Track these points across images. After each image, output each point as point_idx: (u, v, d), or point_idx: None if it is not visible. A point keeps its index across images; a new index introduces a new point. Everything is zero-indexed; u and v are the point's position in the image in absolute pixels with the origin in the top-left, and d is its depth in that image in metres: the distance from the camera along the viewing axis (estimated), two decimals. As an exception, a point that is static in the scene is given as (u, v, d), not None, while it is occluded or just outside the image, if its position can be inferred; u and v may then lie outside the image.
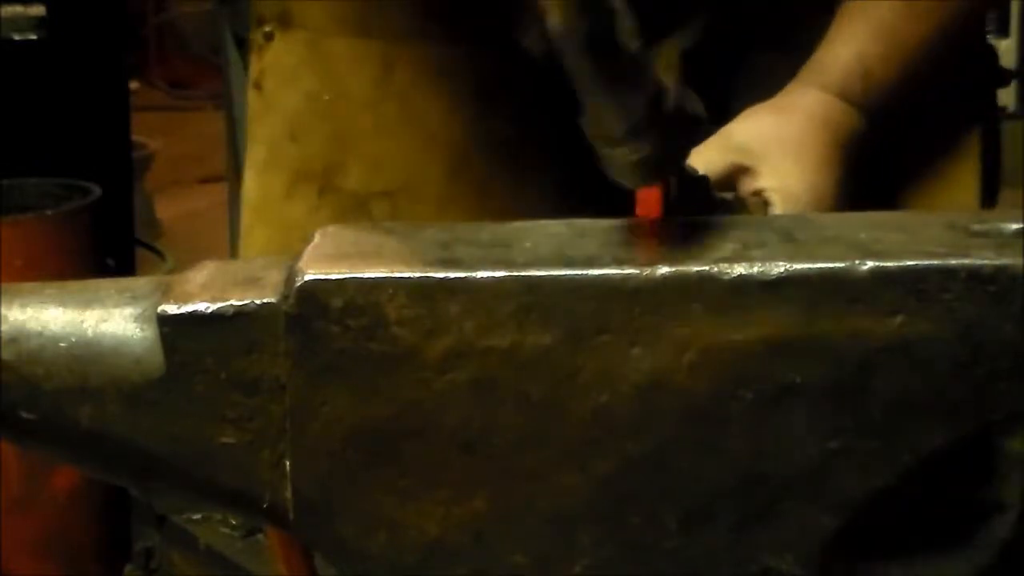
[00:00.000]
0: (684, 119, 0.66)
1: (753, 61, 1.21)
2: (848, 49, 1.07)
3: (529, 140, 1.23)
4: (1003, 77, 1.30)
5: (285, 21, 1.19)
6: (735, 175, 1.03)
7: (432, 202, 1.17)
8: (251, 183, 1.22)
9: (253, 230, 1.22)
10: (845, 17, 1.08)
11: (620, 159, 0.65)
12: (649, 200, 0.70)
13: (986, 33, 1.31)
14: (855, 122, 1.08)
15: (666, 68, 0.64)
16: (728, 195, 0.99)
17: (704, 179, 0.88)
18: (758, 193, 1.03)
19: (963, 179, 1.17)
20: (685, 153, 0.70)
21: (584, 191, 1.14)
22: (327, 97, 1.18)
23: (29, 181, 2.05)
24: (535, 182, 1.22)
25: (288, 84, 1.19)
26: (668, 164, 0.68)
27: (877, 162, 1.10)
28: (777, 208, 1.03)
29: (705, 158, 0.98)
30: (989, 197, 1.20)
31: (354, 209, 1.16)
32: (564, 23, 0.60)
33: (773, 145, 1.05)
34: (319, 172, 1.18)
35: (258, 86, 1.21)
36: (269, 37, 1.19)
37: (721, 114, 1.16)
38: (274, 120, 1.20)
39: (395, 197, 1.17)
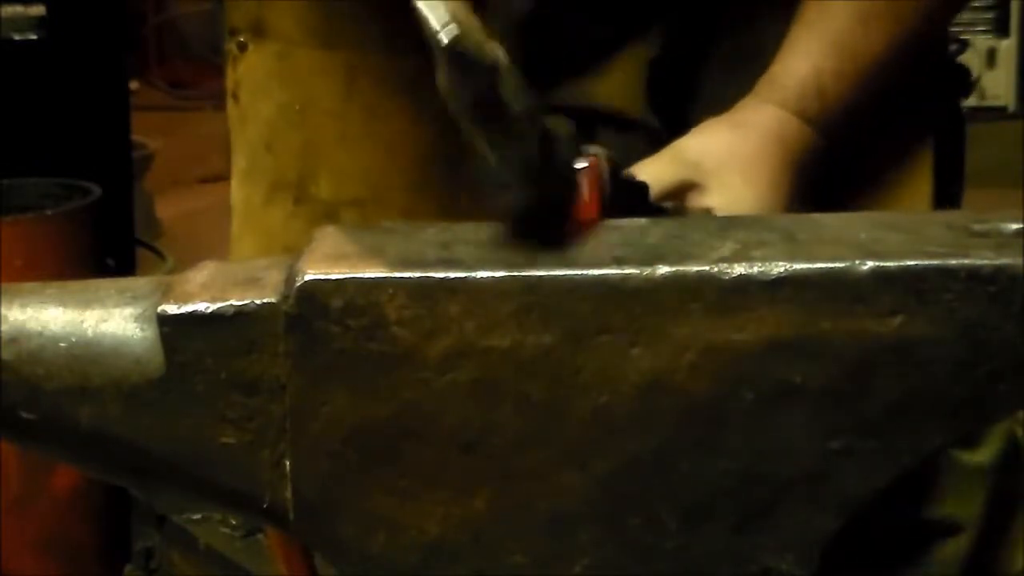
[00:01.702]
0: (565, 175, 0.69)
1: (712, 68, 1.21)
2: (804, 65, 1.07)
3: None
4: (966, 86, 1.30)
5: (258, 31, 1.20)
6: (684, 191, 1.03)
7: (398, 211, 1.18)
8: (236, 192, 1.23)
9: (242, 239, 1.23)
10: (801, 29, 1.08)
11: (502, 208, 0.67)
12: (586, 203, 0.71)
13: (947, 43, 1.30)
14: (810, 140, 1.08)
15: (628, 79, 0.66)
16: (668, 204, 0.99)
17: (643, 186, 0.88)
18: (707, 211, 1.03)
19: (915, 192, 1.17)
20: (566, 207, 0.71)
21: None
22: (297, 107, 1.19)
23: (29, 181, 2.04)
24: None
25: (261, 95, 1.20)
26: (546, 216, 0.68)
27: (831, 174, 1.10)
28: None
29: (656, 171, 0.98)
30: (948, 207, 1.19)
31: (326, 218, 1.17)
32: (448, 83, 0.62)
33: (725, 162, 1.05)
34: (294, 181, 1.19)
35: (235, 97, 1.22)
36: (243, 48, 1.20)
37: (681, 120, 1.17)
38: (251, 130, 1.21)
39: (364, 206, 1.18)
